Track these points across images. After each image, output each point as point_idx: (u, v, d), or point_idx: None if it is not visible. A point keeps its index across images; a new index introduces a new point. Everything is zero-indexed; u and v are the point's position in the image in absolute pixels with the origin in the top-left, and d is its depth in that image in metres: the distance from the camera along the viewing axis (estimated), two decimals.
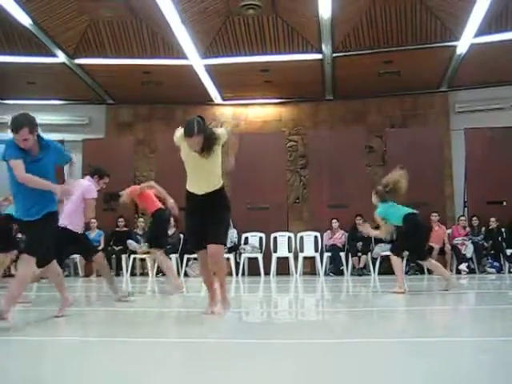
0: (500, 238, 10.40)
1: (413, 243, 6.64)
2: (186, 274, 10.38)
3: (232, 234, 10.95)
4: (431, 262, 6.93)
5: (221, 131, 4.51)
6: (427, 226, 7.38)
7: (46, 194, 3.90)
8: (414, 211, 6.71)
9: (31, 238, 3.96)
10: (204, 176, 4.43)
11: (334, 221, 10.62)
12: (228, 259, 10.53)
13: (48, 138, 4.10)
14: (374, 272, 10.03)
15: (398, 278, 6.62)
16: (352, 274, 10.11)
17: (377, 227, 7.01)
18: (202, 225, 4.39)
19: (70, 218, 5.50)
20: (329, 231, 10.75)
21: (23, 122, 3.73)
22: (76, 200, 5.48)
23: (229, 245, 10.77)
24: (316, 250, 10.62)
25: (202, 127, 4.25)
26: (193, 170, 4.47)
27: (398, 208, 6.71)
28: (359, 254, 10.24)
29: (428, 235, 6.97)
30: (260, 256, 10.51)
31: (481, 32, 9.35)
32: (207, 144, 4.29)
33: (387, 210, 6.69)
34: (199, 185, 4.45)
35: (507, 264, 10.07)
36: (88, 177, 6.07)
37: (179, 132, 4.39)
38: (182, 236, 10.45)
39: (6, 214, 7.93)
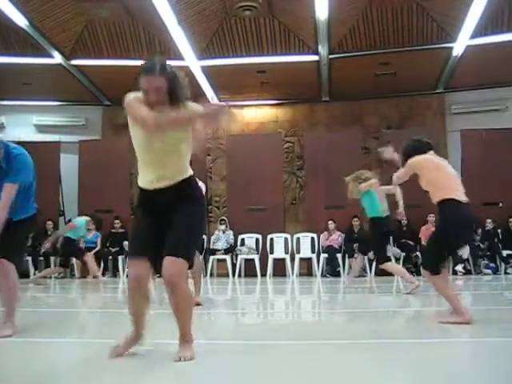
0: (496, 240, 10.42)
1: (376, 246, 7.03)
2: None
3: (228, 235, 10.95)
4: (387, 266, 7.08)
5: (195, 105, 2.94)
6: (390, 230, 7.57)
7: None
8: (382, 216, 6.88)
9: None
10: (164, 159, 2.92)
11: (330, 222, 10.63)
12: (225, 260, 10.56)
13: (18, 150, 3.81)
14: (371, 273, 10.04)
15: (405, 276, 6.80)
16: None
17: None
18: (156, 227, 2.95)
19: None
20: (325, 232, 10.75)
21: None
22: None
23: (225, 246, 10.78)
24: (312, 252, 10.62)
25: (168, 69, 2.90)
26: (147, 149, 2.93)
27: (376, 202, 6.93)
28: (356, 255, 10.24)
29: (388, 240, 7.32)
30: (256, 257, 10.51)
31: (477, 34, 9.37)
32: (173, 96, 2.88)
33: (370, 195, 6.95)
34: (156, 174, 2.93)
35: (503, 265, 10.09)
36: None
37: (132, 95, 2.96)
38: None
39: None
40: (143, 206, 3.06)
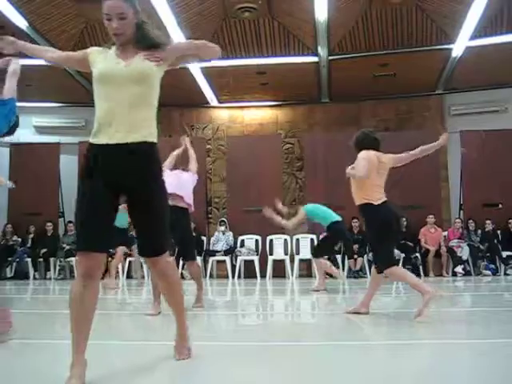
0: (496, 241, 10.43)
1: (330, 247, 7.64)
2: (182, 277, 10.36)
3: (228, 236, 10.95)
4: (317, 261, 7.62)
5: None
6: (348, 235, 8.30)
7: None
8: (339, 219, 7.25)
9: None
10: (126, 105, 2.53)
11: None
12: (224, 262, 10.56)
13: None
14: (370, 274, 10.02)
15: (320, 277, 7.44)
16: (348, 277, 10.11)
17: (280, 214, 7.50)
18: (108, 207, 2.52)
19: None
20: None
21: None
22: None
23: (225, 247, 10.78)
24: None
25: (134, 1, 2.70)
26: (108, 91, 2.57)
27: (325, 211, 7.35)
28: (355, 256, 10.25)
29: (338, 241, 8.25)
30: (256, 258, 10.50)
31: (476, 35, 9.38)
32: (136, 36, 2.69)
33: (316, 209, 7.35)
34: (116, 123, 2.51)
35: (503, 266, 10.09)
36: None
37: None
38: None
39: None
40: (94, 168, 2.52)
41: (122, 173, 2.50)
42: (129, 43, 2.71)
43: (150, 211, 2.56)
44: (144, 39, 2.68)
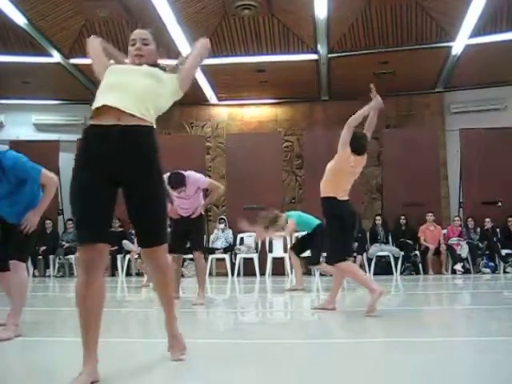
0: (495, 239, 10.43)
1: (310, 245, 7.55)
2: (182, 275, 10.35)
3: (227, 234, 10.94)
4: (293, 260, 7.59)
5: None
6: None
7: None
8: (319, 222, 7.26)
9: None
10: (134, 88, 2.58)
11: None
12: (223, 259, 10.56)
13: (12, 155, 3.70)
14: (370, 272, 10.04)
15: (298, 276, 7.38)
16: None
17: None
18: (108, 196, 2.51)
19: None
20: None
21: None
22: None
23: (224, 245, 10.77)
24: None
25: (159, 40, 2.96)
26: (116, 75, 2.69)
27: (308, 217, 7.50)
28: (354, 254, 10.25)
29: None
30: (255, 256, 10.50)
31: (476, 33, 9.37)
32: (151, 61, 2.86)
33: (301, 217, 7.49)
34: (119, 98, 2.50)
35: (502, 264, 10.10)
36: None
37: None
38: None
39: None
40: (90, 151, 2.50)
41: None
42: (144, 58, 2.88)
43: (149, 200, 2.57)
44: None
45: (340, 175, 4.82)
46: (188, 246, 6.02)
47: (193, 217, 5.73)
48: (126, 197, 2.56)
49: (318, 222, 7.33)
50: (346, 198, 4.78)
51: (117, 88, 2.56)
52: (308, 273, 9.73)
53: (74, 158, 2.59)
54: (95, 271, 2.41)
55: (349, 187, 4.89)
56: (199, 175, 5.81)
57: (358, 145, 4.83)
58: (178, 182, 5.50)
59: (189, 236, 5.81)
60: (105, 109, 2.47)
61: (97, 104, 2.49)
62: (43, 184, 3.80)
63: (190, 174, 5.67)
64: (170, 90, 2.77)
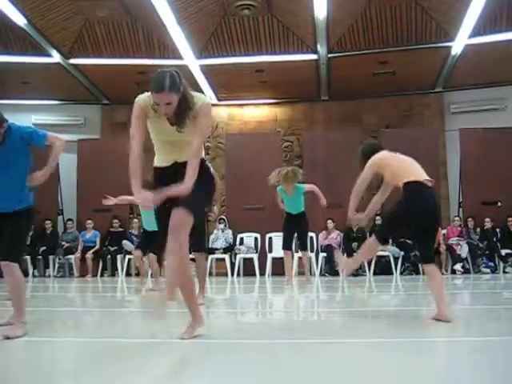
0: (495, 239, 10.44)
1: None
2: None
3: (227, 234, 10.95)
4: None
5: (201, 99, 3.17)
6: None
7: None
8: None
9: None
10: (179, 145, 3.22)
11: (329, 221, 10.63)
12: (223, 260, 10.56)
13: (18, 126, 3.70)
14: (369, 272, 10.05)
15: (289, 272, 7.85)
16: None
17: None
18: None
19: None
20: (324, 231, 10.76)
21: None
22: None
23: (224, 245, 10.78)
24: (311, 251, 10.61)
25: (178, 83, 3.02)
26: (164, 136, 3.25)
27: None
28: (354, 254, 10.24)
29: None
30: (255, 256, 10.51)
31: (475, 33, 9.38)
32: (181, 110, 3.08)
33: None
34: (172, 155, 3.25)
35: (502, 264, 10.10)
36: None
37: (140, 100, 3.24)
38: None
39: None
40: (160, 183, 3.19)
41: None
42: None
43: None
44: (184, 109, 3.11)
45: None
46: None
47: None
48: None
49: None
50: (426, 181, 4.24)
51: (171, 150, 3.27)
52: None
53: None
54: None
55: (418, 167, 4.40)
56: None
57: (375, 146, 4.62)
58: None
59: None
60: None
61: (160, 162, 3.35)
62: (49, 144, 3.80)
63: None
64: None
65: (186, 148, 3.13)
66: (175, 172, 3.15)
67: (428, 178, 4.19)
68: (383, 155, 4.40)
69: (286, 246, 8.12)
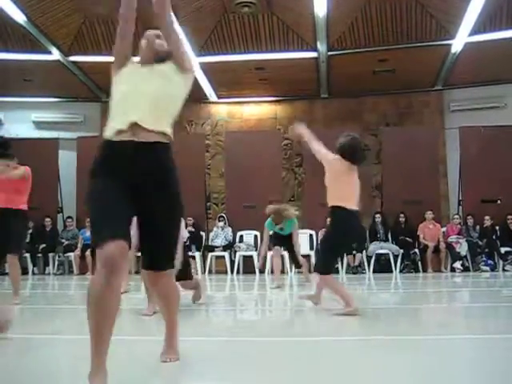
0: (494, 237, 10.44)
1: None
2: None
3: (227, 232, 10.95)
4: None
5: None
6: None
7: None
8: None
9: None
10: (152, 98, 2.51)
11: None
12: (223, 257, 10.56)
13: None
14: (369, 270, 10.05)
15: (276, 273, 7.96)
16: (347, 272, 10.12)
17: None
18: (126, 201, 2.31)
19: None
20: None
21: None
22: None
23: (224, 243, 10.78)
24: (311, 248, 10.62)
25: None
26: (134, 85, 2.55)
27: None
28: (354, 252, 10.25)
29: None
30: (255, 254, 10.51)
31: (476, 31, 9.37)
32: (167, 49, 2.83)
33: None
34: (138, 112, 2.42)
35: (501, 262, 10.11)
36: None
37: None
38: None
39: None
40: (109, 164, 2.38)
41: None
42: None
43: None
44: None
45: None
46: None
47: None
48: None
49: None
50: (353, 207, 4.62)
51: (138, 103, 2.48)
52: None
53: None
54: (117, 270, 2.14)
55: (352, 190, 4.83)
56: None
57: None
58: None
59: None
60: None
61: (116, 127, 2.41)
62: None
63: None
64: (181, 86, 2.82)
65: (151, 106, 2.46)
66: (140, 154, 2.36)
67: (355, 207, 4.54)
68: (340, 166, 4.78)
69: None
